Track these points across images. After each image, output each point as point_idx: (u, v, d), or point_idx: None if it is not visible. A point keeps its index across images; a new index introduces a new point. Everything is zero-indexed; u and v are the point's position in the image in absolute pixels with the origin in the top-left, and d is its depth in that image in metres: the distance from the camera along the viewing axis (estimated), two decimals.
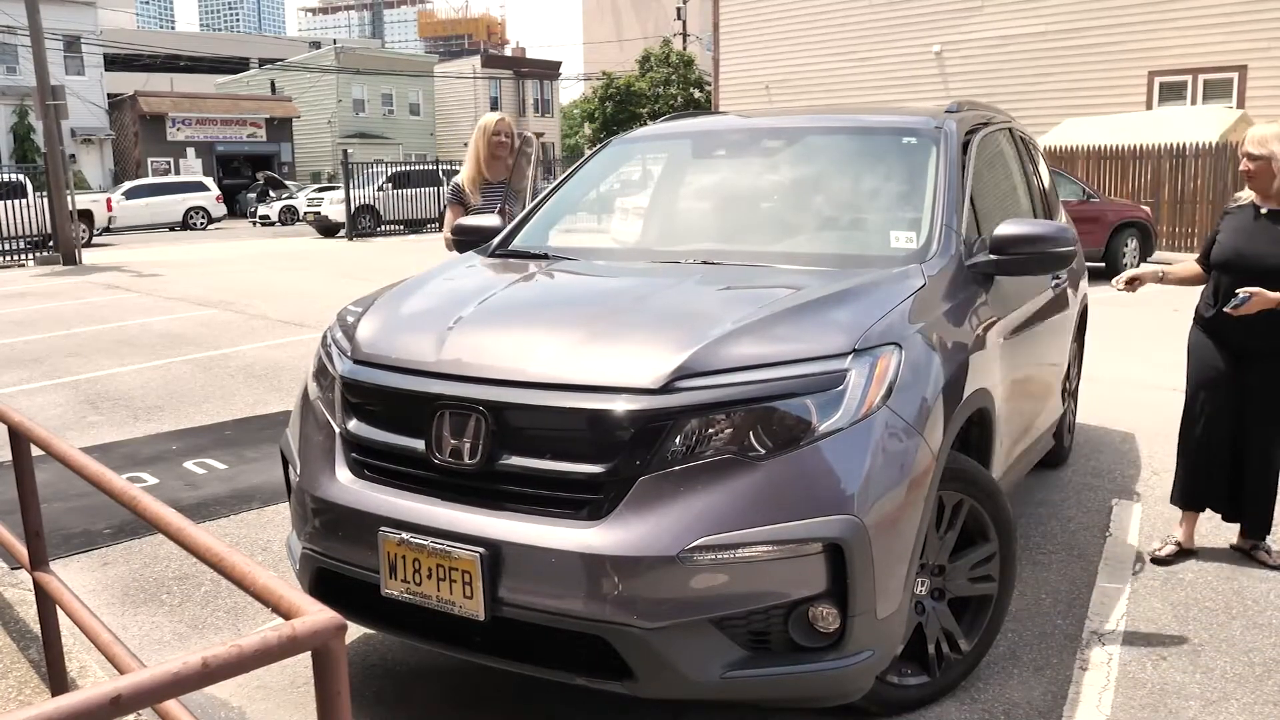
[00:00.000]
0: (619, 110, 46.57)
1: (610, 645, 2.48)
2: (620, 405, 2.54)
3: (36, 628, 3.14)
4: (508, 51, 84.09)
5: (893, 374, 2.68)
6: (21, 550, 2.93)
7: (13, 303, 13.33)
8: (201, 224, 31.19)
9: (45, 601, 2.79)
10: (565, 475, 2.56)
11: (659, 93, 46.92)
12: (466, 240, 4.27)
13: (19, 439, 2.74)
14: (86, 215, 25.94)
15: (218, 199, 32.52)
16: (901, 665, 2.89)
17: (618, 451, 2.53)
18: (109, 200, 28.25)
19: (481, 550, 2.51)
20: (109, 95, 41.98)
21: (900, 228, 3.59)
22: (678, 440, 2.52)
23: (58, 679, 2.84)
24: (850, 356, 2.65)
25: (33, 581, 2.84)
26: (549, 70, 57.14)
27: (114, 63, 44.17)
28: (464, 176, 5.38)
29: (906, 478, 2.63)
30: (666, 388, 2.55)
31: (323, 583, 2.93)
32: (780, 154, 4.28)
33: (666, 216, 4.41)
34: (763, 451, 2.51)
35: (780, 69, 23.91)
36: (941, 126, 3.84)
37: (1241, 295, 3.72)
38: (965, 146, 3.84)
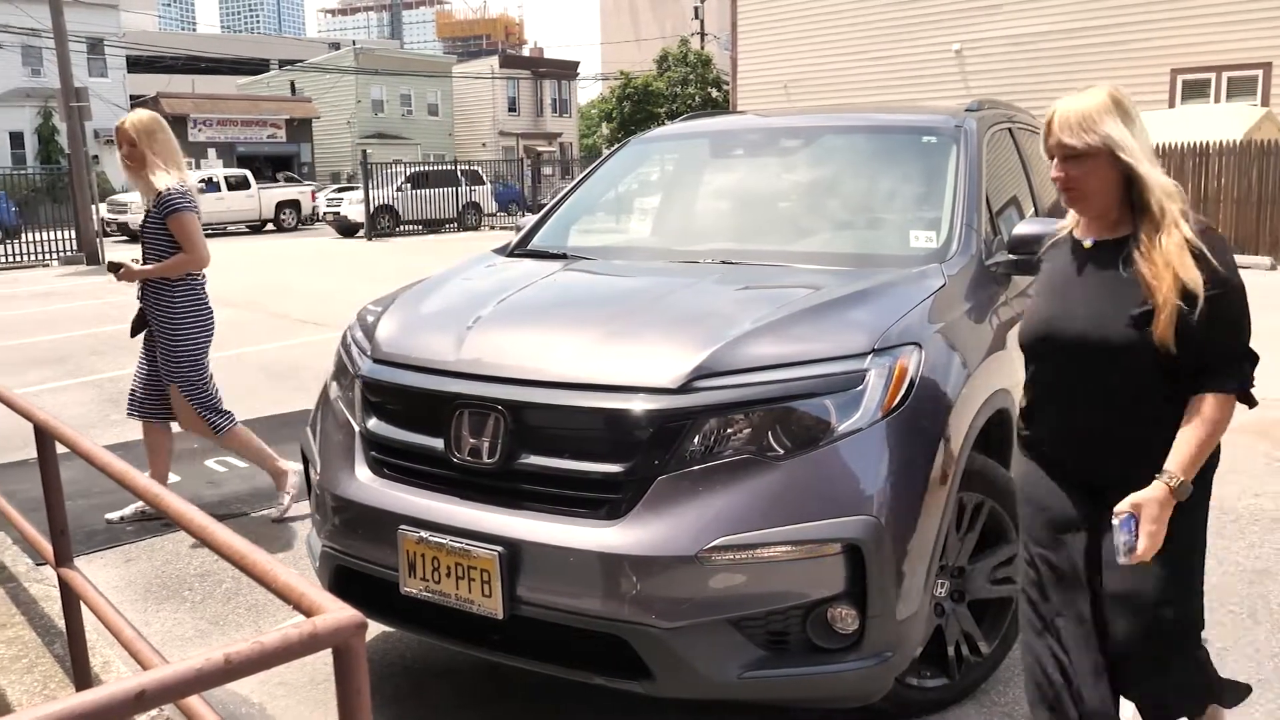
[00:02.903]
0: (636, 110, 46.57)
1: (628, 645, 2.48)
2: (638, 405, 2.54)
3: (61, 623, 3.17)
4: (525, 51, 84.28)
5: (912, 374, 2.67)
6: (46, 547, 2.95)
7: (37, 302, 13.46)
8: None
9: (69, 598, 2.82)
10: (584, 475, 2.57)
11: (677, 92, 46.89)
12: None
13: (44, 437, 2.77)
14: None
15: (312, 195, 31.18)
16: (921, 667, 2.88)
17: (636, 451, 2.53)
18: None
19: (500, 549, 2.52)
20: (132, 96, 42.28)
21: (920, 227, 3.58)
22: (696, 440, 2.52)
23: (82, 674, 2.87)
24: (870, 356, 2.65)
25: (57, 578, 2.87)
26: (567, 70, 57.19)
27: (136, 64, 44.57)
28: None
29: (926, 479, 2.62)
30: (685, 387, 2.55)
31: (342, 580, 2.94)
32: (798, 153, 4.27)
33: (684, 216, 4.40)
34: (781, 451, 2.51)
35: (799, 68, 23.83)
36: (962, 125, 3.82)
37: (1122, 522, 2.10)
38: (985, 145, 3.82)
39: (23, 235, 20.38)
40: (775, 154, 4.30)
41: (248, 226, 29.81)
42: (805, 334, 2.75)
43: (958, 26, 21.34)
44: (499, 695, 3.18)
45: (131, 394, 4.80)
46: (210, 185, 28.44)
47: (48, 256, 19.98)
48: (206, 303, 4.72)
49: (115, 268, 4.62)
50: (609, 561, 2.44)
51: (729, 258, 3.52)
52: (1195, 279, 2.07)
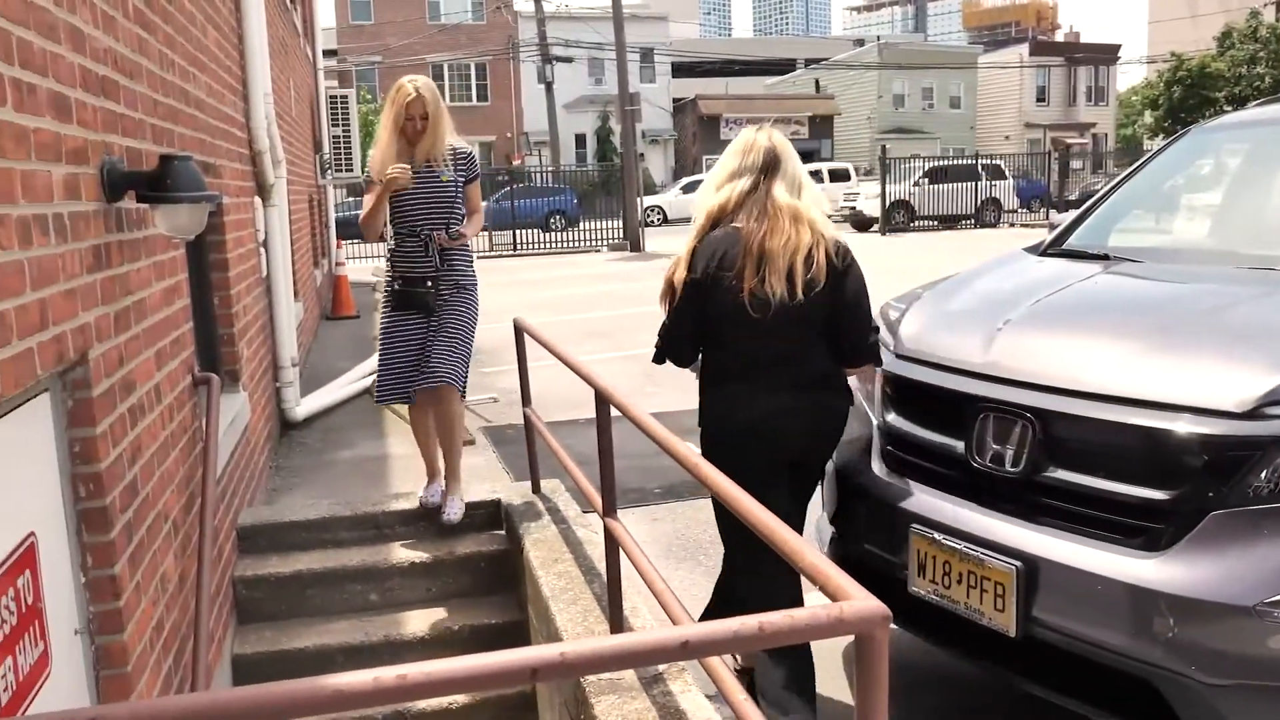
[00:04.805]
0: (1188, 95, 41.41)
1: (1155, 691, 2.24)
2: (1192, 427, 2.27)
3: (600, 566, 3.60)
4: (1059, 37, 78.94)
5: None
6: (596, 497, 3.37)
7: (591, 283, 15.46)
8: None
9: (611, 545, 3.19)
10: (1119, 497, 2.35)
11: (1241, 74, 40.88)
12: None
13: (602, 401, 3.15)
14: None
15: (1015, 191, 28.76)
16: None
17: (1185, 479, 2.26)
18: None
19: (1018, 564, 2.40)
20: (673, 99, 46.76)
21: None
22: (1264, 475, 2.18)
23: (615, 614, 3.24)
24: None
25: (603, 526, 3.26)
26: (1106, 55, 52.51)
27: (679, 70, 49.07)
28: (372, 159, 4.28)
29: None
30: (1253, 413, 2.22)
31: (848, 569, 2.99)
32: None
33: (1255, 216, 3.82)
34: None
35: None
36: None
37: None
38: None
39: (580, 224, 23.64)
40: None
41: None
42: None
43: None
44: (987, 710, 3.04)
45: (403, 374, 4.24)
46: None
47: (598, 243, 22.86)
48: None
49: (457, 235, 4.24)
50: (1145, 597, 2.21)
51: None
52: None
